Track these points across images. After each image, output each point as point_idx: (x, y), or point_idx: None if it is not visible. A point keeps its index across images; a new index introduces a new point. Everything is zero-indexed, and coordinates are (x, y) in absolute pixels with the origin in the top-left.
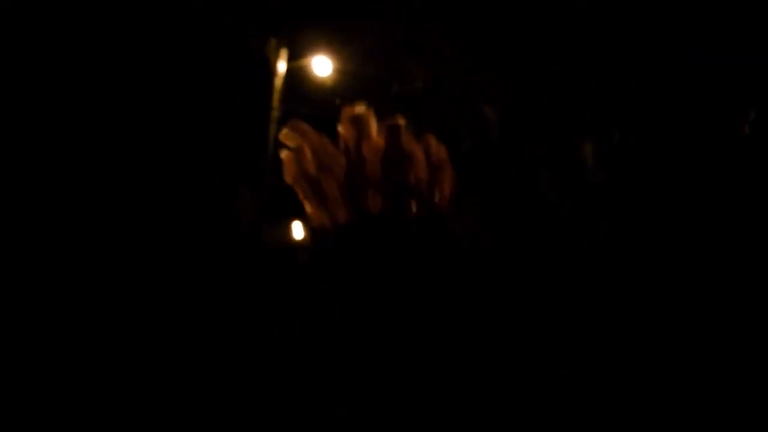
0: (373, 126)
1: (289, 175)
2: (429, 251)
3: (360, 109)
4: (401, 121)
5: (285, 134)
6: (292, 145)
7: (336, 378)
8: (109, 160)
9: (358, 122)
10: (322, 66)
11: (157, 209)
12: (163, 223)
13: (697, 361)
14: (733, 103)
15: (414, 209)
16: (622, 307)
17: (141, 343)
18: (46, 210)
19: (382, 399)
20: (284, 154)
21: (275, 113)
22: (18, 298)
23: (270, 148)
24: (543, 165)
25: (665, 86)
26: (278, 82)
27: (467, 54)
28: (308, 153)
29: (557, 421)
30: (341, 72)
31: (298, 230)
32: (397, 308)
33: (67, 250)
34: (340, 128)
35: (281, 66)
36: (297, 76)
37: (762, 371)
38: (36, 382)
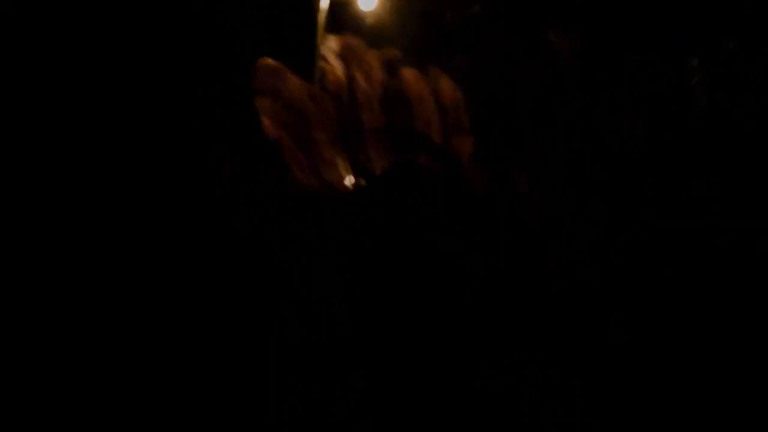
0: (367, 61)
1: (270, 129)
2: (451, 222)
3: (348, 39)
4: (398, 54)
5: (258, 76)
6: (267, 89)
7: (336, 378)
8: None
9: (348, 56)
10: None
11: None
12: (166, 209)
13: (697, 361)
14: (735, 102)
15: (426, 165)
16: (622, 307)
17: (140, 341)
18: (43, 202)
19: (382, 399)
20: (260, 101)
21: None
22: (10, 293)
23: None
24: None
25: (668, 80)
26: (321, 18)
27: None
28: (288, 99)
29: (557, 421)
30: (388, 5)
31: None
32: (399, 305)
33: (61, 242)
34: (326, 64)
35: (324, 1)
36: (341, 11)
37: (762, 371)
38: (32, 381)
